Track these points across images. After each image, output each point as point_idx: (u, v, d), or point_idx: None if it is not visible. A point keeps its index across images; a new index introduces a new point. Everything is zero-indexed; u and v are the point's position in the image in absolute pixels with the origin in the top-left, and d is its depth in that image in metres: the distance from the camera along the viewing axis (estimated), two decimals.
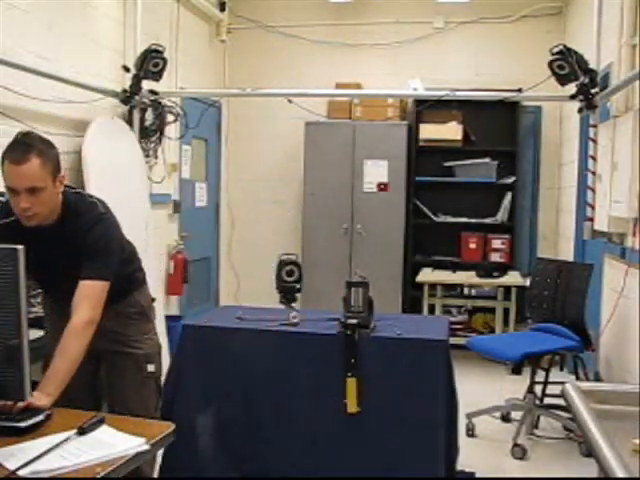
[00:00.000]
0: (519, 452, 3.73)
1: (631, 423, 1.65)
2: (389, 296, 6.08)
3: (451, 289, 6.09)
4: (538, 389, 4.17)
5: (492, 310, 6.00)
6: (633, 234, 3.87)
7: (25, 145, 2.23)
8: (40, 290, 2.83)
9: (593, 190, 4.78)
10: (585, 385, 1.88)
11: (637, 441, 1.51)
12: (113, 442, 1.73)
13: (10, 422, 1.82)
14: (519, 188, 6.31)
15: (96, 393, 2.75)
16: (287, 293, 3.33)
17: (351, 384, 2.90)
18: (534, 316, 4.63)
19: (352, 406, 2.91)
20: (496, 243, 6.25)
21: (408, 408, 2.94)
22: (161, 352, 2.83)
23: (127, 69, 4.82)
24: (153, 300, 2.87)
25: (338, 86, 6.25)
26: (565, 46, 4.42)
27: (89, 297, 2.32)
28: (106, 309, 2.40)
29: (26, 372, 1.82)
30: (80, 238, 2.41)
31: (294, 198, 6.82)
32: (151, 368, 2.71)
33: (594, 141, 4.79)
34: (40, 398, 1.99)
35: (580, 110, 4.58)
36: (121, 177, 4.56)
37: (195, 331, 3.14)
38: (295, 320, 3.14)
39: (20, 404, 1.93)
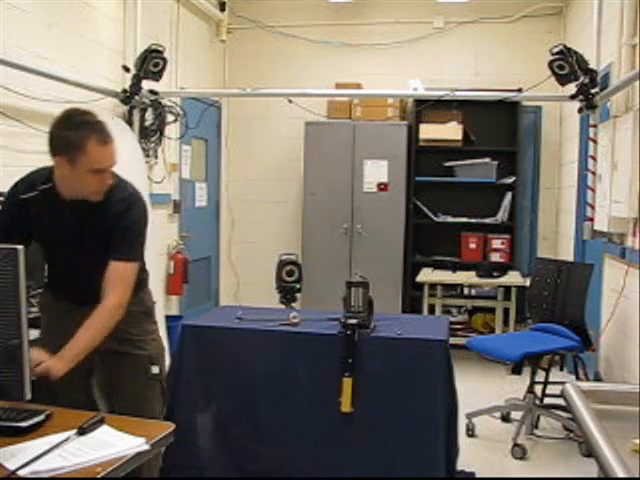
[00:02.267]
0: (519, 452, 3.73)
1: (631, 423, 1.65)
2: (389, 296, 6.08)
3: (451, 289, 6.09)
4: (538, 389, 4.17)
5: (492, 310, 6.00)
6: (633, 234, 3.87)
7: (100, 124, 2.20)
8: (39, 290, 2.81)
9: (593, 190, 4.78)
10: (585, 385, 1.88)
11: (637, 441, 1.51)
12: (113, 442, 1.73)
13: (10, 422, 1.82)
14: (519, 188, 6.31)
15: (92, 398, 2.72)
16: (287, 293, 3.35)
17: (347, 384, 2.91)
18: (534, 316, 4.63)
19: (346, 406, 2.92)
20: (496, 243, 6.25)
21: (408, 408, 2.95)
22: (164, 354, 2.82)
23: (127, 69, 4.82)
24: (154, 303, 2.87)
25: (338, 86, 6.25)
26: (565, 46, 4.42)
27: (121, 279, 2.30)
28: None
29: (26, 372, 1.82)
30: (114, 216, 2.37)
31: (294, 198, 6.82)
32: (155, 370, 2.66)
33: (594, 141, 4.78)
34: (56, 362, 2.02)
35: (580, 110, 4.58)
36: None
37: (195, 331, 3.14)
38: (295, 320, 3.14)
39: (38, 368, 2.01)
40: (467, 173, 6.28)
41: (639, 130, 3.74)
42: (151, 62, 4.76)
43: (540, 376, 4.17)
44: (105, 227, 2.38)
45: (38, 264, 2.73)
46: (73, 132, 2.18)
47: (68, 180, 2.26)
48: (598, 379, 4.41)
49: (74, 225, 2.40)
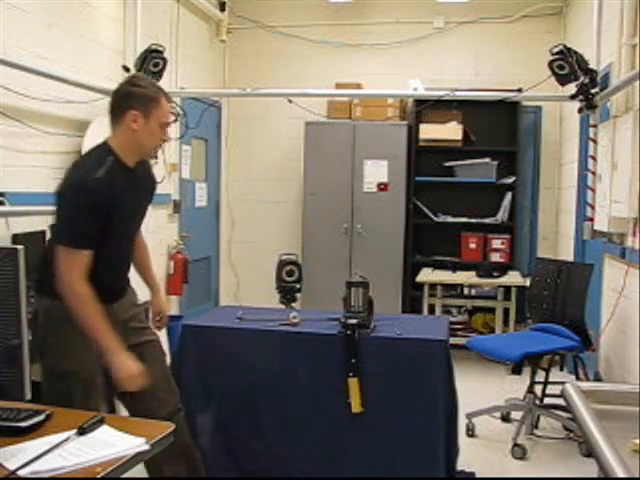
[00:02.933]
0: (519, 452, 3.73)
1: (631, 423, 1.65)
2: (389, 296, 6.08)
3: (451, 289, 6.09)
4: (538, 389, 4.17)
5: (492, 310, 6.00)
6: (633, 234, 3.87)
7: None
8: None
9: (593, 190, 4.78)
10: (585, 385, 1.88)
11: (637, 441, 1.51)
12: (113, 442, 1.73)
13: (10, 422, 1.82)
14: (519, 188, 6.31)
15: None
16: (287, 293, 3.35)
17: (353, 384, 2.90)
18: (534, 316, 4.63)
19: (356, 406, 2.92)
20: (496, 243, 6.25)
21: (408, 408, 2.95)
22: None
23: (127, 69, 4.82)
24: None
25: (338, 86, 6.25)
26: (565, 46, 4.42)
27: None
28: (125, 302, 2.56)
29: (26, 372, 1.82)
30: (149, 180, 2.67)
31: (294, 198, 6.82)
32: None
33: (594, 141, 4.78)
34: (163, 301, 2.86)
35: (580, 110, 4.58)
36: None
37: (195, 331, 3.14)
38: (295, 320, 3.14)
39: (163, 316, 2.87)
40: (467, 173, 6.28)
41: (639, 130, 3.74)
42: (151, 62, 4.75)
43: (540, 376, 4.16)
44: (147, 190, 2.64)
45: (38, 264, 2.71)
46: (150, 89, 2.48)
47: (139, 135, 2.43)
48: (598, 379, 4.41)
49: (133, 199, 2.51)
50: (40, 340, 2.38)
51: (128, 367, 2.31)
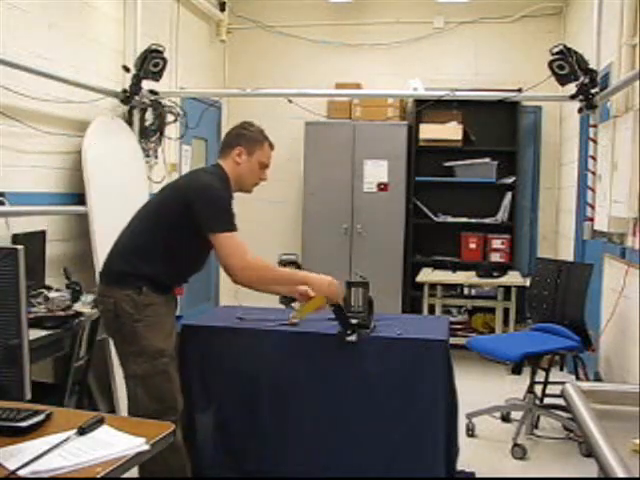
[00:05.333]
0: (519, 452, 3.73)
1: (631, 423, 1.65)
2: (389, 296, 6.08)
3: (451, 289, 6.09)
4: (538, 389, 4.17)
5: (492, 310, 6.00)
6: (633, 234, 3.87)
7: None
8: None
9: (593, 190, 4.78)
10: (585, 385, 1.88)
11: (637, 441, 1.51)
12: (113, 442, 1.73)
13: (10, 422, 1.81)
14: (519, 188, 6.31)
15: None
16: None
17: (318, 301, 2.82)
18: (534, 316, 4.63)
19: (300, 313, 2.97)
20: (496, 243, 6.25)
21: (408, 408, 2.94)
22: None
23: (127, 69, 4.82)
24: None
25: (338, 86, 6.25)
26: (565, 46, 4.42)
27: None
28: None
29: (26, 372, 1.82)
30: None
31: (294, 198, 6.81)
32: None
33: (594, 141, 4.78)
34: None
35: (580, 110, 4.59)
36: (121, 177, 4.56)
37: (195, 331, 3.14)
38: (295, 320, 3.14)
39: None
40: (467, 173, 6.28)
41: (639, 130, 3.74)
42: (151, 62, 4.76)
43: (540, 376, 4.17)
44: None
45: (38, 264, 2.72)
46: (258, 134, 2.95)
47: (241, 168, 2.88)
48: (598, 379, 4.41)
49: None
50: (129, 326, 2.63)
51: (323, 280, 2.77)
